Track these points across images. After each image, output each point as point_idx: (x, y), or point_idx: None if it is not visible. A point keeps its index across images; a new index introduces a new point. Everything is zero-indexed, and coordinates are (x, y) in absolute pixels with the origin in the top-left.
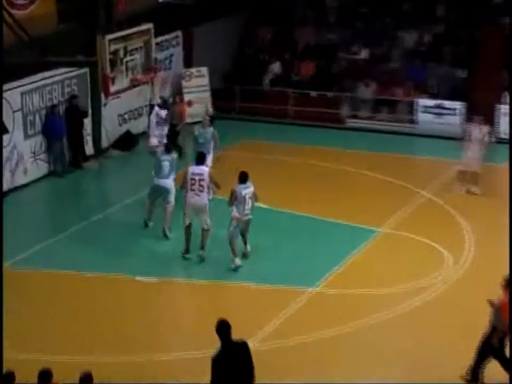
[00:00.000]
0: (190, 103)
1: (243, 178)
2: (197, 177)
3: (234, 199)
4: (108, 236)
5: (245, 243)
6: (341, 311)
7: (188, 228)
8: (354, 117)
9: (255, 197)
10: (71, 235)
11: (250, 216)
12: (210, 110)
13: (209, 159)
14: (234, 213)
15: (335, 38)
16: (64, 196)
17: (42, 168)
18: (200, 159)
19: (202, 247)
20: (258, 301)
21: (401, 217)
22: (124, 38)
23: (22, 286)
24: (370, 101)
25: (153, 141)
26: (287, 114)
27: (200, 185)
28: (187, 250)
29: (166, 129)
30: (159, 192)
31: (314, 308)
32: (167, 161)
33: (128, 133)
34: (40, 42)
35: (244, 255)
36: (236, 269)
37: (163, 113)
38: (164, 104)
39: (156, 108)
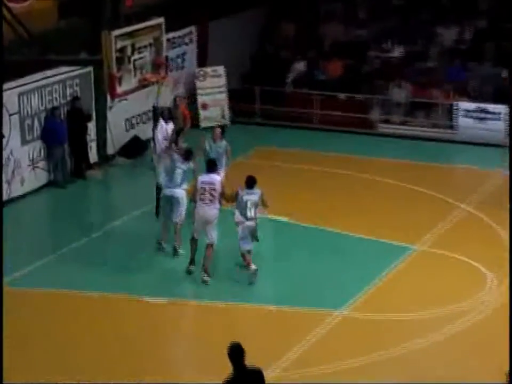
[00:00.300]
0: (204, 106)
1: (250, 183)
2: (207, 186)
3: (235, 199)
4: (112, 252)
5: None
6: (371, 338)
7: (194, 241)
8: (386, 121)
9: (263, 203)
10: (72, 251)
11: (253, 223)
12: (227, 113)
13: (221, 174)
14: (237, 215)
15: (365, 35)
16: (65, 208)
17: (41, 177)
18: (211, 167)
19: (205, 271)
20: (279, 325)
21: (439, 233)
22: (131, 34)
23: (18, 306)
24: (404, 104)
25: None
26: (312, 119)
27: (211, 195)
28: (192, 261)
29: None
30: (170, 203)
31: (341, 334)
32: (181, 169)
33: (136, 138)
34: (39, 39)
35: (246, 267)
36: (255, 273)
37: (169, 128)
38: (169, 115)
39: (161, 122)
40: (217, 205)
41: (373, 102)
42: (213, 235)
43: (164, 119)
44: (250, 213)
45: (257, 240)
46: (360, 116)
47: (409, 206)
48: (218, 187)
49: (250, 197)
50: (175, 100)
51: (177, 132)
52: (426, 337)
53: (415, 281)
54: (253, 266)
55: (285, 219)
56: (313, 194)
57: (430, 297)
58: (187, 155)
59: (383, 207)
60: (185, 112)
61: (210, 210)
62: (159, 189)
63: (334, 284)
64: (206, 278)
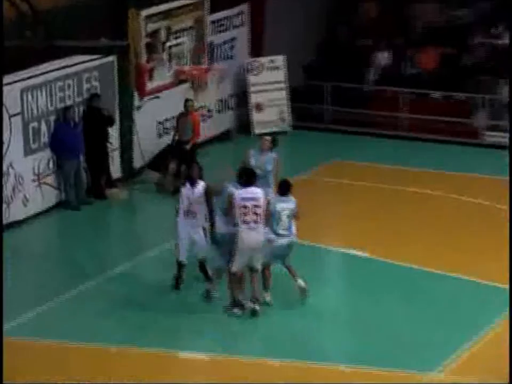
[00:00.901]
0: (259, 107)
1: (284, 188)
2: (249, 204)
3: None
4: (135, 296)
5: (293, 276)
6: None
7: (235, 275)
8: (495, 128)
9: (295, 216)
10: (84, 293)
11: (287, 239)
12: (288, 116)
13: (270, 194)
14: (267, 232)
15: (468, 16)
16: (78, 237)
17: (49, 196)
18: (250, 178)
19: (256, 298)
20: None
21: None
22: (166, 14)
23: (15, 362)
24: None
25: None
26: (398, 124)
27: (255, 214)
28: (236, 303)
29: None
30: (225, 243)
31: None
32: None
33: (171, 147)
34: (48, 19)
35: (302, 292)
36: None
37: (199, 190)
38: (200, 174)
39: (186, 186)
40: (263, 227)
41: (477, 103)
42: (260, 263)
43: (190, 180)
44: (284, 225)
45: (285, 265)
46: (461, 120)
47: None
48: (262, 203)
49: (284, 205)
50: (186, 103)
51: (184, 149)
52: None
53: None
54: (267, 297)
55: (360, 253)
56: (397, 221)
57: None
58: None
59: (487, 239)
60: (196, 122)
61: (257, 235)
62: (181, 266)
63: (423, 339)
64: (257, 307)
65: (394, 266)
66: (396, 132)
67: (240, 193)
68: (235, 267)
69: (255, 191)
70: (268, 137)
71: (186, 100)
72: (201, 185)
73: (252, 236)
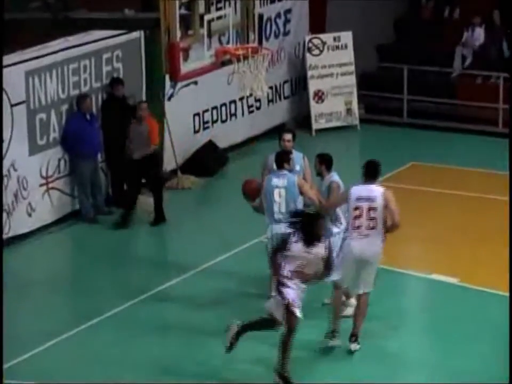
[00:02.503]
0: (319, 95)
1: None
2: (364, 205)
3: (344, 201)
4: (164, 328)
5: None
6: None
7: (338, 299)
8: None
9: None
10: (100, 326)
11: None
12: (356, 108)
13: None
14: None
15: None
16: (95, 256)
17: (60, 205)
18: (373, 172)
19: (354, 335)
20: None
21: None
22: None
23: None
24: None
25: None
26: (495, 119)
27: (370, 219)
28: (335, 332)
29: None
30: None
31: None
32: (279, 187)
33: (210, 145)
34: None
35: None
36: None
37: (315, 255)
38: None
39: (299, 243)
40: (381, 237)
41: None
42: (371, 282)
43: (308, 239)
44: None
45: None
46: None
47: None
48: (380, 205)
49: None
50: (138, 106)
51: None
52: None
53: None
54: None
55: (453, 280)
56: (496, 238)
57: None
58: (282, 159)
59: None
60: (154, 129)
61: (371, 246)
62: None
63: None
64: (355, 347)
65: (499, 297)
66: (491, 127)
67: (356, 190)
68: (338, 286)
69: (374, 190)
70: (288, 135)
71: (139, 103)
72: (324, 244)
73: (364, 245)
